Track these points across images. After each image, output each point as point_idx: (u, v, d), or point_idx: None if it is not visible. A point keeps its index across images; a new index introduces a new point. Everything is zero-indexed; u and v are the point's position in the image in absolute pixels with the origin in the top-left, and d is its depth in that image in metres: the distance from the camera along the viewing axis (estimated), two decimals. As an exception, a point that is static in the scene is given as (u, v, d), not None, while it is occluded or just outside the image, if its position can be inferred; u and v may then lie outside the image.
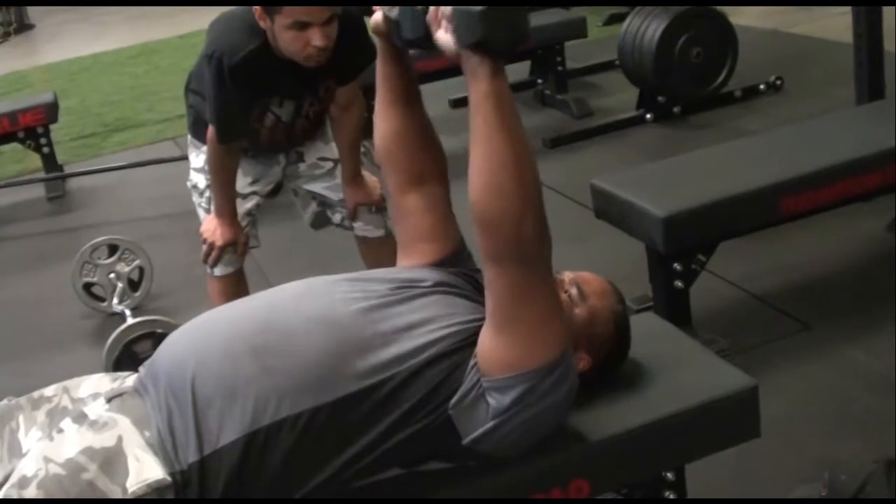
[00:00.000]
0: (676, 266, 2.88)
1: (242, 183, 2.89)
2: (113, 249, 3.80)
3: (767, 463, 2.34)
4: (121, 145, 6.38)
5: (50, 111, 5.44)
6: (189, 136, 3.00)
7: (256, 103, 2.70)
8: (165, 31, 9.86)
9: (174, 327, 2.62)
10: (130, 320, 3.24)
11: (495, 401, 1.53)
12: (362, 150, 2.97)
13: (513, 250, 1.47)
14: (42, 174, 5.56)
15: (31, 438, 1.58)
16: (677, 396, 1.77)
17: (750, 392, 1.79)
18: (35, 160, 5.71)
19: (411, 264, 1.78)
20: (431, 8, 1.50)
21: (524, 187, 1.46)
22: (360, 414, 1.51)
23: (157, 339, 2.94)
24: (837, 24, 5.71)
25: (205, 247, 2.86)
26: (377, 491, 1.54)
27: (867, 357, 2.79)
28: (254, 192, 2.95)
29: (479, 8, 1.39)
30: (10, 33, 11.28)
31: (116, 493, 1.44)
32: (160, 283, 3.86)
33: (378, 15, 1.67)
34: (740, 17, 6.13)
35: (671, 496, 1.84)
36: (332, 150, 2.96)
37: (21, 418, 1.61)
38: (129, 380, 1.64)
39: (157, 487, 1.45)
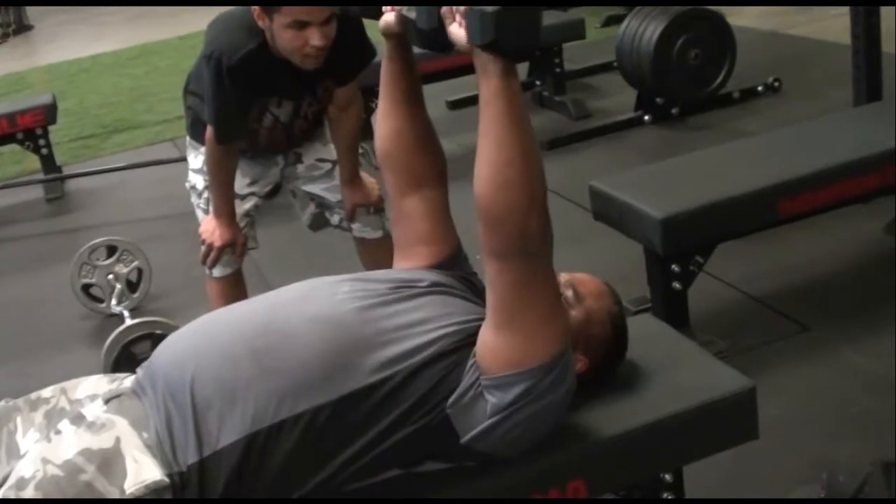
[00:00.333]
0: (674, 267, 2.88)
1: (241, 184, 2.89)
2: (112, 250, 3.80)
3: (766, 464, 2.34)
4: (120, 146, 6.38)
5: (49, 112, 5.44)
6: (188, 138, 3.00)
7: (255, 103, 2.70)
8: (165, 32, 9.86)
9: (173, 328, 2.63)
10: (129, 321, 3.24)
11: (495, 398, 1.53)
12: (361, 151, 2.97)
13: (517, 245, 1.48)
14: (41, 175, 5.56)
15: (28, 440, 1.58)
16: (675, 398, 1.77)
17: (748, 393, 1.79)
18: (34, 161, 5.71)
19: (409, 266, 1.79)
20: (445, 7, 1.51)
21: (531, 183, 1.46)
22: (361, 413, 1.51)
23: (155, 340, 2.94)
24: (836, 26, 5.71)
25: (203, 248, 2.86)
26: (376, 492, 1.54)
27: (865, 358, 2.79)
28: (252, 193, 2.95)
29: (492, 8, 1.39)
30: (9, 34, 11.29)
31: (114, 495, 1.44)
32: (159, 285, 3.86)
33: (390, 15, 1.68)
34: (738, 18, 6.14)
35: (669, 497, 1.84)
36: (331, 152, 2.96)
37: (19, 420, 1.61)
38: (127, 381, 1.64)
39: (155, 489, 1.45)
